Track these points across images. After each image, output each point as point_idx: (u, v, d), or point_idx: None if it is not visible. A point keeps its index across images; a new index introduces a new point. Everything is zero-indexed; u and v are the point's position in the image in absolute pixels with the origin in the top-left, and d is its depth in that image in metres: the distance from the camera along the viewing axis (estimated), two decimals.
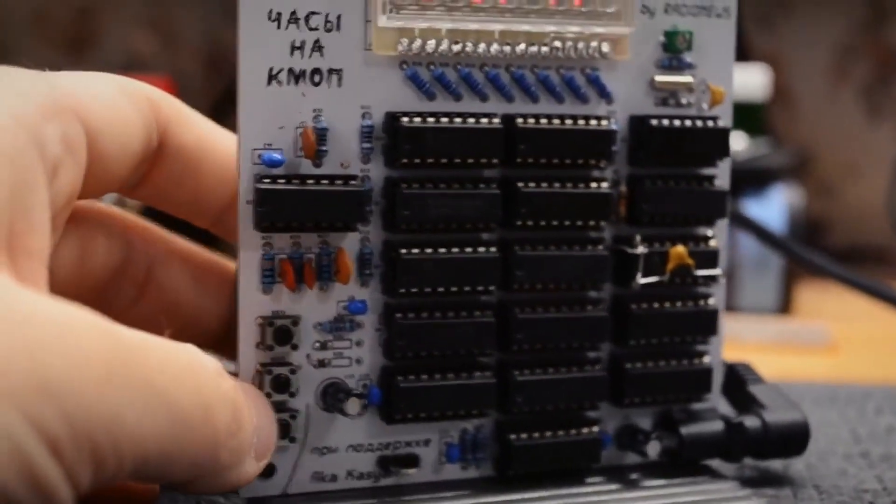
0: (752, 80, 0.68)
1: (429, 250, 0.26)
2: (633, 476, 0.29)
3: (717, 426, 0.29)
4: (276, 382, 0.26)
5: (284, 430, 0.26)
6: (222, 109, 0.25)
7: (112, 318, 0.20)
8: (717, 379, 0.30)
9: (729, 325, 0.31)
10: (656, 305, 0.29)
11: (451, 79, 0.27)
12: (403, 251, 0.26)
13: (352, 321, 0.26)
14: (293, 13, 0.25)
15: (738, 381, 0.31)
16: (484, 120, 0.26)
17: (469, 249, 0.27)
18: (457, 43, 0.26)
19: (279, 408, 0.26)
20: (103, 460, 0.19)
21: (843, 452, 0.34)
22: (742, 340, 0.55)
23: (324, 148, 0.26)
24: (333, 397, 0.26)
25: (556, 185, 0.27)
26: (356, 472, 0.27)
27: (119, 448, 0.19)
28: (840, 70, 0.87)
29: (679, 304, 0.29)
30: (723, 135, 0.29)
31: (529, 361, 0.28)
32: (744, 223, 0.41)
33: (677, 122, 0.28)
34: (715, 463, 0.30)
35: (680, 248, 0.28)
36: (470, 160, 0.26)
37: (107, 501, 0.23)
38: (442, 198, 0.26)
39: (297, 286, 0.26)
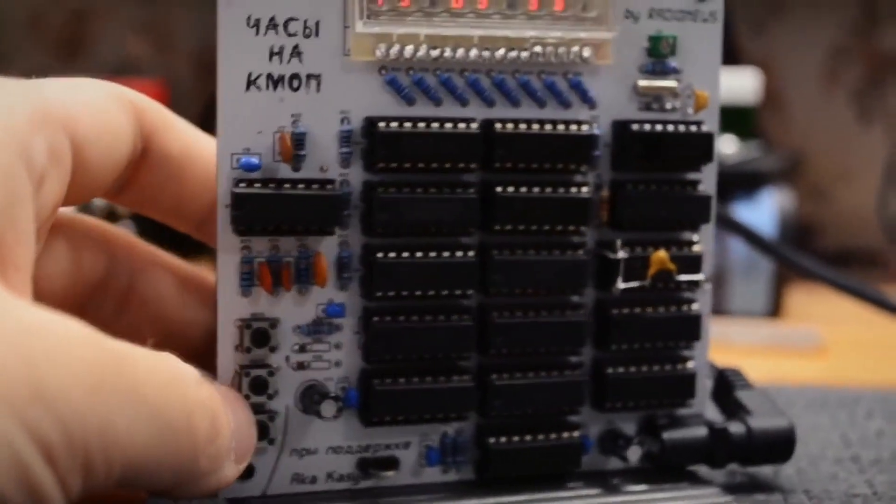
0: (743, 84, 0.68)
1: (406, 254, 0.26)
2: (615, 481, 0.29)
3: (700, 432, 0.29)
4: (254, 384, 0.26)
5: (263, 432, 0.26)
6: (213, 112, 0.25)
7: (97, 328, 0.21)
8: (703, 384, 0.30)
9: (719, 328, 0.31)
10: (638, 310, 0.29)
11: (431, 84, 0.27)
12: (380, 255, 0.26)
13: (330, 324, 0.27)
14: (272, 19, 0.25)
15: (726, 387, 0.31)
16: (461, 125, 0.26)
17: (447, 254, 0.27)
18: (435, 48, 0.26)
19: (257, 409, 0.26)
20: (94, 467, 0.19)
21: (834, 457, 0.34)
22: (732, 344, 0.55)
23: (302, 152, 0.26)
24: (310, 399, 0.26)
25: (536, 189, 0.27)
26: (336, 475, 0.27)
27: (109, 455, 0.20)
28: (831, 74, 0.87)
29: (662, 308, 0.29)
30: (707, 140, 0.29)
31: (509, 365, 0.28)
32: (733, 227, 0.41)
33: (659, 127, 0.28)
34: (704, 470, 0.30)
35: (661, 254, 0.28)
36: (448, 165, 0.26)
37: None
38: (419, 202, 0.26)
39: (274, 289, 0.26)
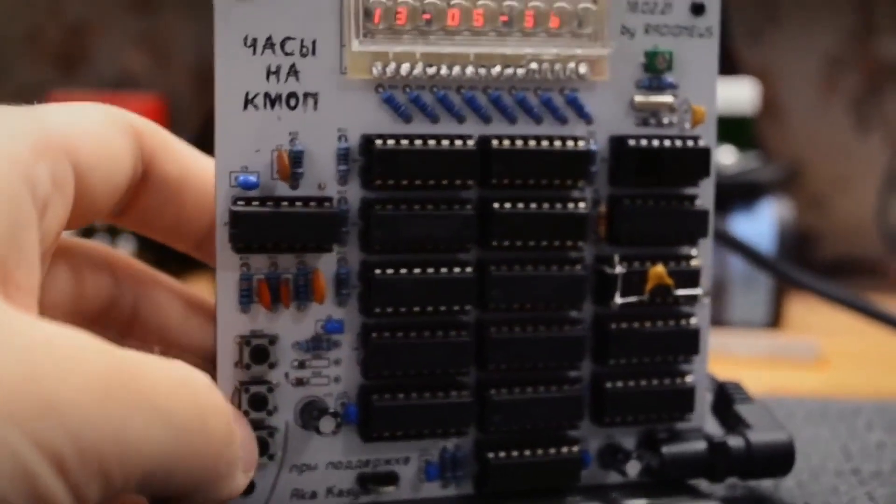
0: (741, 94, 0.68)
1: (404, 270, 0.26)
2: (614, 495, 0.29)
3: (699, 446, 0.29)
4: (253, 400, 0.26)
5: (263, 448, 0.26)
6: (212, 127, 0.25)
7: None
8: (702, 398, 0.30)
9: (719, 339, 0.31)
10: (636, 325, 0.29)
11: (428, 101, 0.27)
12: (378, 271, 0.26)
13: (329, 340, 0.27)
14: (269, 39, 0.25)
15: (726, 400, 0.31)
16: (458, 142, 0.27)
17: (445, 270, 0.27)
18: (431, 66, 0.27)
19: (257, 425, 0.26)
20: (110, 474, 0.20)
21: (835, 469, 0.34)
22: (732, 355, 0.55)
23: (299, 170, 0.26)
24: (309, 415, 0.26)
25: (533, 205, 0.27)
26: (336, 490, 0.27)
27: (125, 461, 0.20)
28: (829, 82, 0.88)
29: (660, 323, 0.29)
30: (704, 154, 0.29)
31: (507, 380, 0.28)
32: (731, 244, 0.41)
33: (656, 143, 0.28)
34: (704, 484, 0.30)
35: (659, 268, 0.28)
36: (445, 181, 0.27)
37: None
38: (417, 219, 0.26)
39: (273, 306, 0.26)
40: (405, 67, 0.26)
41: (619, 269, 0.28)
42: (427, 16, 0.26)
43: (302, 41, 0.26)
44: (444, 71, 0.27)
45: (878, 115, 0.87)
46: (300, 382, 0.27)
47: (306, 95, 0.26)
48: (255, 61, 0.25)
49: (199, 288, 0.31)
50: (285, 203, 0.26)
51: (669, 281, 0.29)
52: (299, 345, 0.26)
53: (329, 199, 0.26)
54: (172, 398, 0.21)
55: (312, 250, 0.26)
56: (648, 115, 0.29)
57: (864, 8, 0.86)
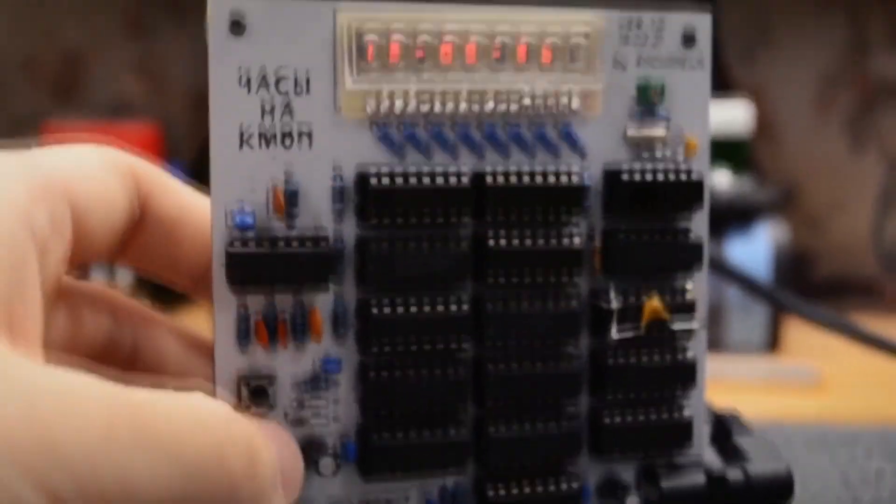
0: (735, 116, 0.68)
1: (400, 307, 0.26)
2: None
3: (698, 478, 0.29)
4: None
5: None
6: (208, 154, 0.26)
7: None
8: (700, 430, 0.30)
9: (717, 364, 0.31)
10: (633, 358, 0.29)
11: (422, 137, 0.27)
12: (375, 309, 0.26)
13: (327, 379, 0.27)
14: (263, 77, 0.26)
15: (724, 431, 0.31)
16: (453, 179, 0.27)
17: (441, 306, 0.27)
18: (425, 102, 0.27)
19: None
20: None
21: (834, 498, 0.34)
22: (731, 380, 0.55)
23: (295, 209, 0.26)
24: (309, 455, 0.26)
25: (528, 240, 0.27)
26: None
27: (130, 501, 0.20)
28: (823, 101, 0.88)
29: (656, 356, 0.29)
30: (697, 186, 0.29)
31: (505, 416, 0.28)
32: (726, 273, 0.41)
33: (649, 175, 0.28)
34: None
35: (655, 303, 0.28)
36: (440, 218, 0.27)
37: None
38: (412, 255, 0.26)
39: (271, 345, 0.26)
40: (399, 104, 0.26)
41: (614, 304, 0.28)
42: (420, 52, 0.26)
43: (296, 79, 0.26)
44: (437, 107, 0.27)
45: (873, 134, 0.87)
46: (299, 422, 0.26)
47: (301, 133, 0.26)
48: (249, 100, 0.26)
49: (195, 322, 0.31)
50: (282, 242, 0.25)
51: (665, 315, 0.29)
52: (298, 384, 0.26)
53: (325, 238, 0.26)
54: (183, 435, 0.21)
55: (309, 289, 0.26)
56: (642, 147, 0.29)
57: (856, 26, 0.87)
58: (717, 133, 0.31)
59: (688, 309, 0.29)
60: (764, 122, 0.84)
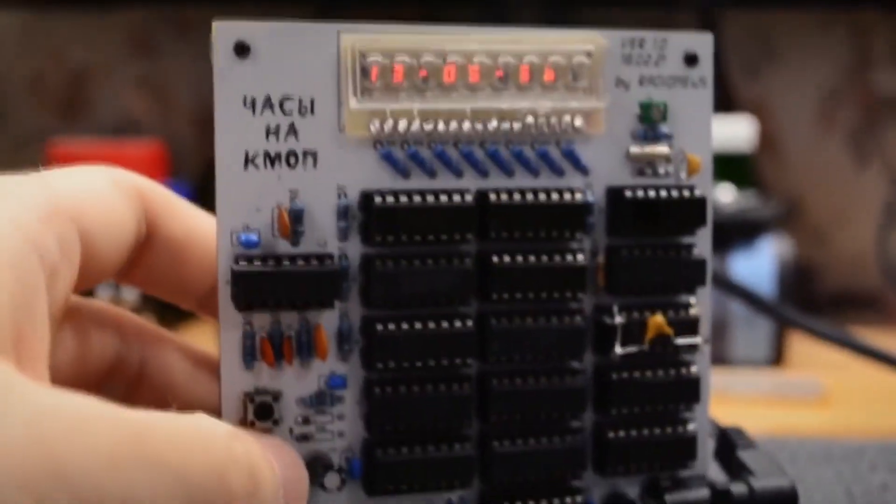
0: (738, 132, 0.69)
1: (405, 325, 0.27)
2: None
3: (702, 494, 0.29)
4: None
5: None
6: (214, 172, 0.26)
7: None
8: (704, 445, 0.30)
9: (721, 378, 0.31)
10: (637, 374, 0.29)
11: (426, 157, 0.27)
12: (380, 326, 0.26)
13: (333, 396, 0.27)
14: (267, 99, 0.26)
15: (729, 446, 0.31)
16: (456, 197, 0.27)
17: (445, 323, 0.27)
18: (428, 122, 0.27)
19: None
20: None
21: None
22: (735, 394, 0.55)
23: (300, 228, 0.26)
24: (314, 471, 0.27)
25: (532, 257, 0.28)
26: None
27: None
28: (826, 116, 0.88)
29: (660, 372, 0.29)
30: (700, 204, 0.29)
31: (510, 432, 0.28)
32: (730, 288, 0.41)
33: (652, 193, 0.28)
34: None
35: (658, 318, 0.29)
36: (444, 236, 0.27)
37: None
38: (417, 273, 0.27)
39: (276, 363, 0.26)
40: (402, 124, 0.27)
41: (618, 320, 0.28)
42: (423, 73, 0.27)
43: (300, 100, 0.26)
44: (441, 127, 0.27)
45: (876, 149, 0.87)
46: (304, 438, 0.27)
47: (305, 153, 0.26)
48: (254, 121, 0.26)
49: (201, 338, 0.31)
50: (286, 261, 0.26)
51: (669, 330, 0.29)
52: (303, 400, 0.27)
53: (330, 256, 0.26)
54: (185, 457, 0.21)
55: (315, 307, 0.26)
56: (644, 165, 0.29)
57: (859, 42, 0.87)
58: (721, 148, 0.31)
59: (691, 325, 0.29)
60: (767, 138, 0.84)
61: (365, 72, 0.26)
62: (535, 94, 0.28)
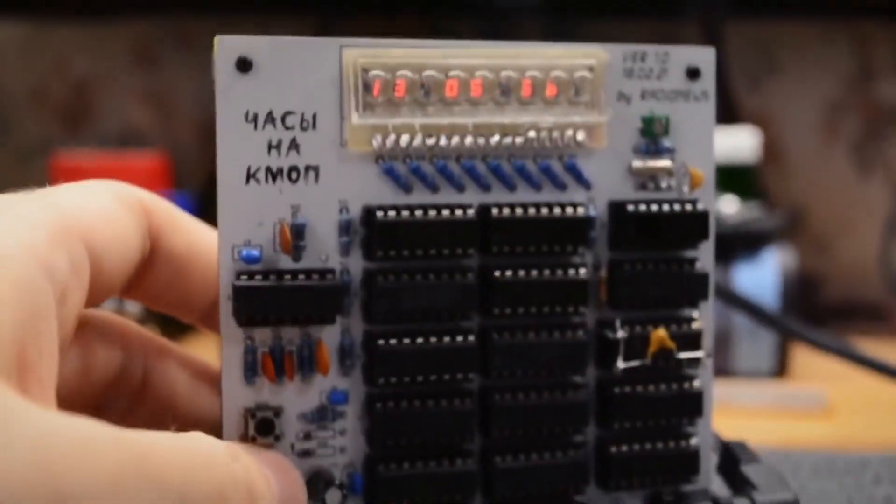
0: (742, 143, 0.69)
1: (407, 340, 0.27)
2: None
3: None
4: None
5: None
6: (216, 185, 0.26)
7: (111, 424, 0.21)
8: (707, 459, 0.30)
9: (725, 390, 0.31)
10: (640, 388, 0.29)
11: (427, 171, 0.27)
12: (381, 341, 0.26)
13: (334, 411, 0.27)
14: (269, 114, 0.26)
15: (732, 461, 0.31)
16: (458, 211, 0.27)
17: (447, 338, 0.27)
18: (430, 137, 0.27)
19: None
20: None
21: None
22: (738, 406, 0.54)
23: (301, 243, 0.26)
24: (315, 487, 0.27)
25: (534, 272, 0.27)
26: None
27: None
28: (830, 127, 0.88)
29: (663, 386, 0.29)
30: (702, 218, 0.29)
31: (512, 447, 0.28)
32: (733, 300, 0.41)
33: (654, 207, 0.28)
34: None
35: (661, 332, 0.29)
36: (446, 251, 0.27)
37: None
38: (418, 288, 0.27)
39: (277, 378, 0.26)
40: (405, 139, 0.27)
41: (620, 334, 0.28)
42: (425, 87, 0.27)
43: (302, 115, 0.26)
44: (443, 141, 0.27)
45: (880, 159, 0.87)
46: (306, 454, 0.27)
47: (307, 168, 0.26)
48: (256, 136, 0.26)
49: (204, 350, 0.31)
50: (287, 276, 0.26)
51: (671, 344, 0.29)
52: (304, 416, 0.27)
53: (331, 271, 0.26)
54: (186, 477, 0.21)
55: (316, 322, 0.26)
56: (647, 179, 0.29)
57: (862, 53, 0.87)
58: (724, 160, 0.31)
59: (694, 339, 0.29)
60: (771, 149, 0.84)
61: (367, 87, 0.26)
62: (538, 109, 0.28)
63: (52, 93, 0.96)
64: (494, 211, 0.27)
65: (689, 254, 0.29)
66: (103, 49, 0.95)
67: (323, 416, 0.27)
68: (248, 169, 0.26)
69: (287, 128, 0.26)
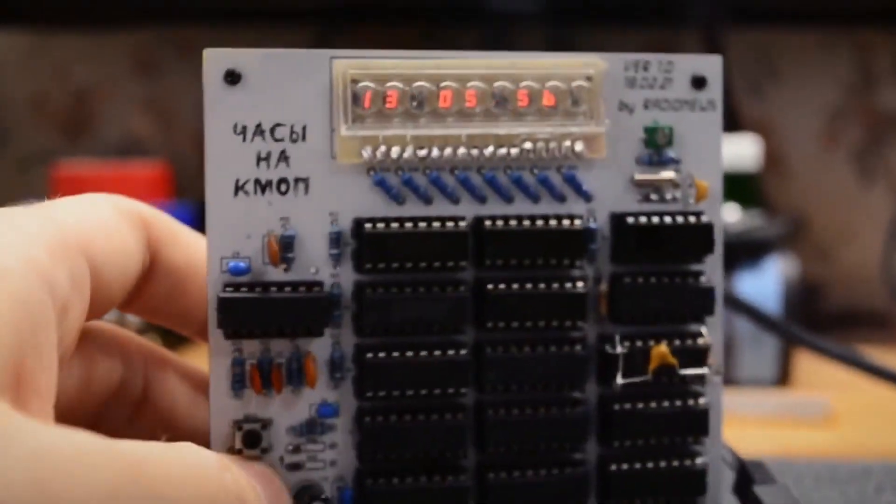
0: (744, 152, 0.68)
1: (397, 353, 0.26)
2: None
3: None
4: None
5: None
6: None
7: (110, 435, 0.21)
8: (717, 479, 0.29)
9: (727, 398, 0.30)
10: (641, 405, 0.28)
11: (420, 183, 0.26)
12: (370, 355, 0.26)
13: (323, 424, 0.26)
14: (258, 126, 0.25)
15: (746, 481, 0.30)
16: (450, 223, 0.26)
17: (439, 352, 0.26)
18: (423, 148, 0.26)
19: None
20: None
21: None
22: (741, 414, 0.54)
23: (290, 255, 0.26)
24: (303, 501, 0.26)
25: (529, 285, 0.27)
26: None
27: None
28: (831, 135, 0.88)
29: (666, 403, 0.28)
30: (706, 230, 0.28)
31: (507, 463, 0.27)
32: (737, 306, 0.40)
33: (656, 219, 0.28)
34: None
35: (662, 348, 0.28)
36: (438, 263, 0.26)
37: None
38: (409, 301, 0.26)
39: (265, 390, 0.26)
40: (396, 150, 0.26)
41: (619, 349, 0.28)
42: (417, 98, 0.26)
43: (292, 127, 0.26)
44: (435, 153, 0.26)
45: (881, 166, 0.87)
46: (295, 467, 0.26)
47: (297, 180, 0.26)
48: (245, 148, 0.25)
49: (205, 361, 0.31)
50: (274, 288, 0.25)
51: (673, 360, 0.28)
52: (294, 429, 0.26)
53: (319, 284, 0.26)
54: (180, 488, 0.21)
55: (305, 335, 0.26)
56: (650, 191, 0.28)
57: (862, 60, 0.87)
58: (726, 169, 0.30)
59: (698, 355, 0.28)
60: (772, 157, 0.84)
61: (357, 98, 0.26)
62: (534, 119, 0.27)
63: (52, 102, 0.96)
64: (488, 223, 0.27)
65: (695, 267, 0.28)
66: (104, 58, 0.95)
67: (312, 429, 0.26)
68: (237, 181, 0.25)
69: (276, 140, 0.25)
